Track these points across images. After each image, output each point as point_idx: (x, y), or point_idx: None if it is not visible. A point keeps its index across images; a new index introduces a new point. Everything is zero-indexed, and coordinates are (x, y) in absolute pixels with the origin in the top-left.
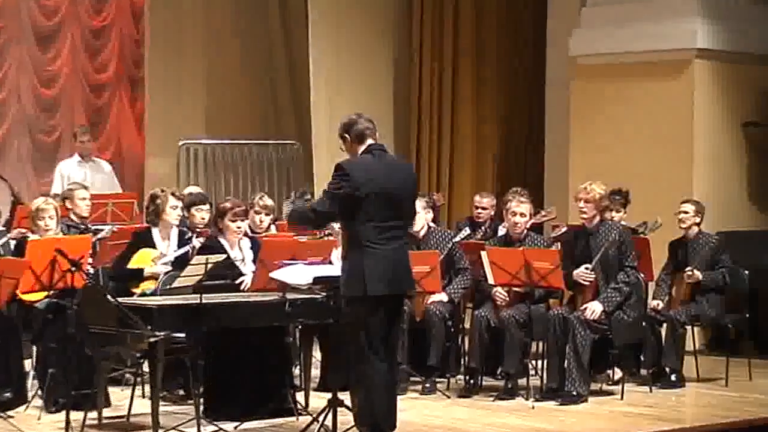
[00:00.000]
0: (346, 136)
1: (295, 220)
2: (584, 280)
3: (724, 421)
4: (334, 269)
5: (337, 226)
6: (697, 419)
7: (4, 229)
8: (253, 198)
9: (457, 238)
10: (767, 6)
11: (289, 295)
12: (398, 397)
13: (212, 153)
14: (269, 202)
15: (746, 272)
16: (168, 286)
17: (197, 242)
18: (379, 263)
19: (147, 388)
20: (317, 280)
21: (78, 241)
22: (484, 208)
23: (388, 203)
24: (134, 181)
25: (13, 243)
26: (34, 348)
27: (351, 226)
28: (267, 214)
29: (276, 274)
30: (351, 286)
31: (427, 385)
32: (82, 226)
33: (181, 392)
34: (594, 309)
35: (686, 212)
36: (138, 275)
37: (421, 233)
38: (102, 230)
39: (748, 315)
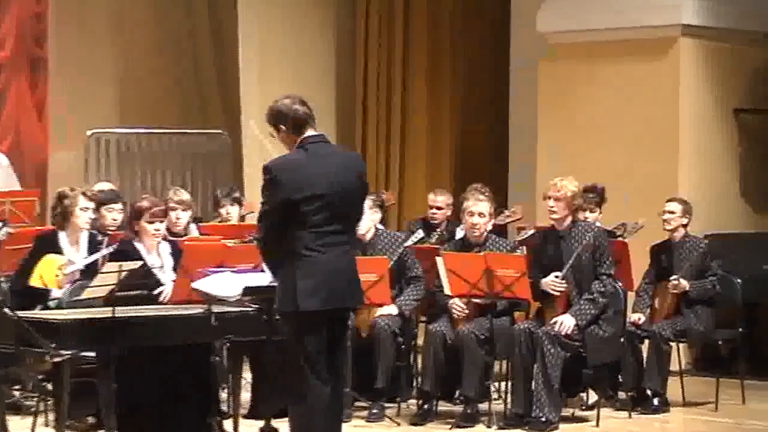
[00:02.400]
0: (282, 126)
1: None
2: (554, 290)
3: None
4: (267, 278)
5: None
6: None
7: None
8: (167, 193)
9: (409, 242)
10: None
11: (215, 308)
12: (342, 425)
13: (126, 144)
14: (185, 196)
15: (739, 281)
16: (75, 298)
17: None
18: (314, 274)
19: (51, 416)
20: (247, 291)
21: None
22: (439, 208)
23: (328, 205)
24: (36, 177)
25: None
26: None
27: (286, 234)
28: (184, 210)
29: (200, 284)
30: (284, 301)
31: (374, 410)
32: None
33: (91, 420)
34: (565, 323)
35: (672, 212)
36: (43, 297)
37: (368, 236)
38: None
39: (741, 330)
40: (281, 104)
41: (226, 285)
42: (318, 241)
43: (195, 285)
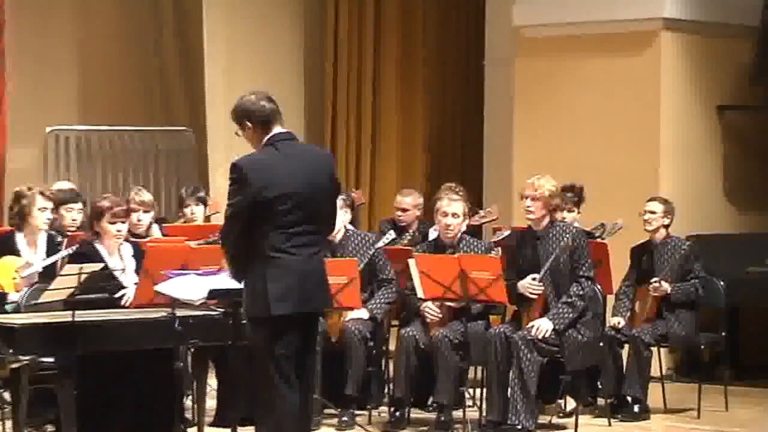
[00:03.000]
0: (248, 123)
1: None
2: (531, 293)
3: None
4: (234, 280)
5: None
6: None
7: None
8: (129, 193)
9: (380, 243)
10: None
11: (179, 312)
12: None
13: (87, 142)
14: (147, 197)
15: (722, 284)
16: (34, 301)
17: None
18: (285, 277)
19: (9, 424)
20: (213, 294)
21: None
22: (404, 210)
23: (299, 205)
24: None
25: None
26: None
27: (254, 234)
28: (146, 211)
29: (163, 287)
30: (253, 306)
31: (345, 418)
32: None
33: (50, 428)
34: (542, 327)
35: (653, 212)
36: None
37: (338, 237)
38: None
39: (724, 334)
40: (247, 100)
41: (190, 288)
42: (288, 242)
43: (158, 288)
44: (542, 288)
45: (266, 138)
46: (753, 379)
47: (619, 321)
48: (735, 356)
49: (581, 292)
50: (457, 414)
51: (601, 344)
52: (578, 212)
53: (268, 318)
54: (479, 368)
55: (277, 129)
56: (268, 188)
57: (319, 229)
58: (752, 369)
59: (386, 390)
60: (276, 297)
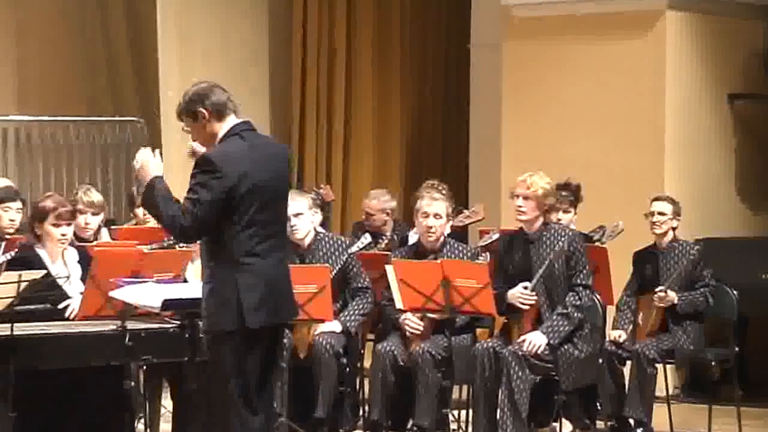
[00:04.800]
0: (202, 111)
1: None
2: (522, 304)
3: None
4: (190, 289)
5: None
6: None
7: None
8: (76, 192)
9: (354, 248)
10: None
11: (130, 325)
12: None
13: (26, 134)
14: (96, 197)
15: (735, 293)
16: None
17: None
18: (258, 285)
19: None
20: (168, 304)
21: None
22: (371, 215)
23: (269, 202)
24: None
25: None
26: None
27: (221, 235)
28: (95, 214)
29: (119, 293)
30: (219, 318)
31: None
32: None
33: None
34: (535, 342)
35: (662, 213)
36: None
37: (307, 241)
38: None
39: (737, 348)
40: (198, 87)
41: (143, 297)
42: (259, 245)
43: (114, 293)
44: (535, 298)
45: (225, 129)
46: (764, 397)
47: (620, 334)
48: (741, 372)
49: (578, 303)
50: None
51: (600, 360)
52: (575, 213)
53: (236, 332)
54: (464, 387)
55: (233, 119)
56: (241, 182)
57: (283, 229)
58: (762, 386)
59: (361, 412)
60: (251, 308)
